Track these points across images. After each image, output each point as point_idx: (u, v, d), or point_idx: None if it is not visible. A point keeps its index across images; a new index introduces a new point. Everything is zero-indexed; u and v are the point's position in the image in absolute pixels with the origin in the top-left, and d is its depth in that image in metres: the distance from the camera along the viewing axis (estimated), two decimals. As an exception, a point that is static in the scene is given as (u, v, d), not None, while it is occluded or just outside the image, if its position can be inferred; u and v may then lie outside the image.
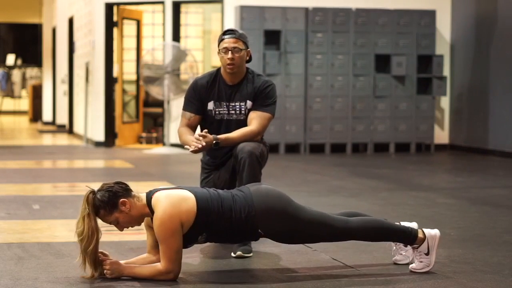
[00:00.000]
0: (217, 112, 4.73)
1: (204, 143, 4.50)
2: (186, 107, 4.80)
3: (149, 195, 3.90)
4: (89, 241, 3.80)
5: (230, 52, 4.65)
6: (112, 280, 3.86)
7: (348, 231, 4.04)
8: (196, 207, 3.86)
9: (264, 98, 4.73)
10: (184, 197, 3.87)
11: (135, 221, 3.93)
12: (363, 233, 4.06)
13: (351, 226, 4.04)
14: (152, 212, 3.86)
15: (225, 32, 4.75)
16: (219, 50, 4.73)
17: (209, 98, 4.73)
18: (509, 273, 4.11)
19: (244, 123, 4.72)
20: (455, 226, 5.56)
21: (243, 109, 4.72)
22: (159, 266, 3.85)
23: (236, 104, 4.72)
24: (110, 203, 3.84)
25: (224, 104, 4.73)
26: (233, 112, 4.72)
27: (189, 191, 3.93)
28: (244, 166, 4.52)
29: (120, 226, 3.92)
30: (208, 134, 4.54)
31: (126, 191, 3.90)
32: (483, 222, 5.90)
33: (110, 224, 3.92)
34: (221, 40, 4.73)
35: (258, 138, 4.71)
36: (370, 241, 4.17)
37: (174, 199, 3.84)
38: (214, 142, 4.58)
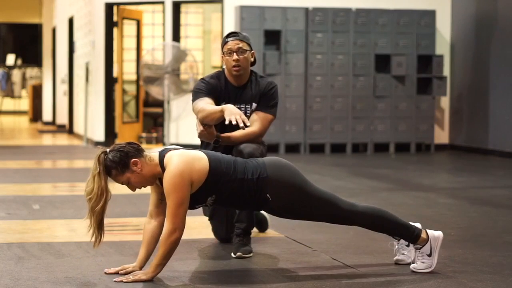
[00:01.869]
0: None
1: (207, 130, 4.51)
2: (200, 95, 4.63)
3: (162, 154, 3.91)
4: (97, 201, 3.80)
5: (235, 53, 4.63)
6: (113, 278, 3.85)
7: (353, 214, 4.06)
8: (208, 167, 3.89)
9: (267, 100, 4.72)
10: (197, 157, 3.90)
11: (147, 181, 3.93)
12: (367, 219, 4.08)
13: (356, 210, 4.07)
14: (163, 171, 3.87)
15: (228, 35, 4.72)
16: (223, 53, 4.68)
17: (220, 98, 4.67)
18: (509, 273, 4.11)
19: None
20: (455, 226, 5.56)
21: (248, 111, 4.71)
22: (164, 229, 3.84)
23: (242, 106, 4.70)
24: (121, 163, 3.85)
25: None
26: (246, 118, 4.70)
27: (203, 151, 3.98)
28: (244, 167, 4.52)
29: (132, 186, 3.93)
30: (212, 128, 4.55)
31: (138, 151, 3.90)
32: (483, 222, 5.90)
33: (122, 184, 3.92)
34: (224, 43, 4.69)
35: (259, 140, 4.71)
36: (372, 229, 4.17)
37: (187, 157, 3.86)
38: (215, 139, 4.58)
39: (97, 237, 3.86)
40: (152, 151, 3.97)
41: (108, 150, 3.89)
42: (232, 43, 4.65)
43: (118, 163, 3.85)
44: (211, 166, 3.90)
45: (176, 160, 3.84)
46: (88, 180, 3.85)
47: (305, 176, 4.10)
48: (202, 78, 4.78)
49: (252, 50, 4.71)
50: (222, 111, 4.33)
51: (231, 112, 4.26)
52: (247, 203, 4.06)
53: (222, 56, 4.72)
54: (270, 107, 4.73)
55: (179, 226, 3.82)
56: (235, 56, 4.62)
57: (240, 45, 4.65)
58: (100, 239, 3.87)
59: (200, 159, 3.90)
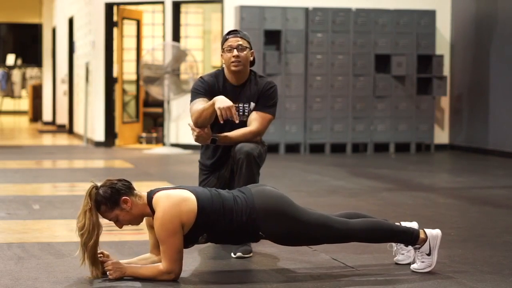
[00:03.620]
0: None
1: (202, 132, 4.51)
2: (197, 95, 4.66)
3: (150, 195, 3.90)
4: (89, 236, 3.79)
5: (235, 49, 4.64)
6: (112, 280, 3.85)
7: (349, 233, 4.03)
8: (196, 208, 3.86)
9: (266, 100, 4.72)
10: (185, 198, 3.86)
11: (135, 220, 3.93)
12: (364, 235, 4.05)
13: (352, 228, 4.03)
14: (153, 211, 3.86)
15: (229, 32, 4.75)
16: (223, 49, 4.70)
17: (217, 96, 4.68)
18: (509, 273, 4.11)
19: (245, 124, 4.71)
20: (455, 226, 5.56)
21: (246, 110, 4.71)
22: (160, 266, 3.85)
23: (240, 105, 4.70)
24: (111, 199, 3.84)
25: None
26: (236, 113, 4.70)
27: (190, 191, 3.92)
28: (241, 167, 4.52)
29: (120, 224, 3.92)
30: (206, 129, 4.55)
31: (129, 189, 3.90)
32: (483, 222, 5.90)
33: (110, 220, 3.91)
34: (225, 40, 4.71)
35: (258, 139, 4.70)
36: (371, 242, 4.16)
37: (175, 199, 3.83)
38: (212, 138, 4.58)
39: (95, 269, 3.85)
40: (142, 192, 3.96)
41: (99, 185, 3.88)
42: (233, 40, 4.67)
43: (109, 199, 3.84)
44: (199, 207, 3.86)
45: (163, 205, 3.81)
46: (79, 215, 3.83)
47: (296, 201, 4.07)
48: (200, 77, 4.79)
49: (251, 49, 4.72)
50: (213, 104, 4.38)
51: (222, 102, 4.34)
52: (240, 240, 4.09)
53: (221, 54, 4.73)
54: (269, 107, 4.72)
55: (176, 270, 3.84)
56: (235, 52, 4.63)
57: (240, 42, 4.67)
58: (99, 269, 3.86)
59: (188, 200, 3.85)
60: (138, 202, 3.89)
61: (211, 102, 4.43)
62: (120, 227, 3.94)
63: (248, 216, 3.91)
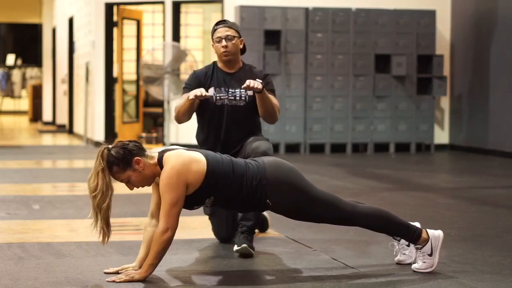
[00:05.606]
0: (217, 98, 4.77)
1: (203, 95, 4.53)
2: (185, 91, 4.78)
3: (161, 154, 3.90)
4: (103, 197, 3.77)
5: (224, 40, 4.75)
6: (115, 281, 3.85)
7: (354, 215, 4.05)
8: (205, 170, 3.86)
9: (268, 84, 4.76)
10: (195, 159, 3.87)
11: (147, 181, 3.91)
12: (368, 220, 4.07)
13: (358, 211, 4.06)
14: (162, 169, 3.86)
15: (218, 23, 4.86)
16: (213, 40, 4.82)
17: (210, 84, 4.76)
18: (509, 273, 4.11)
19: (244, 110, 4.75)
20: (455, 226, 5.56)
21: (243, 95, 4.76)
22: (157, 229, 3.82)
23: (236, 90, 4.77)
24: (124, 160, 3.83)
25: (224, 89, 4.76)
26: (232, 98, 4.76)
27: (201, 153, 3.94)
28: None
29: (131, 185, 3.90)
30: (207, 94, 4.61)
31: (141, 149, 3.89)
32: (483, 222, 5.90)
33: (121, 181, 3.88)
34: (214, 31, 4.83)
35: (277, 116, 4.74)
36: (373, 230, 4.16)
37: (185, 158, 3.84)
38: (262, 85, 4.54)
39: (106, 234, 3.83)
40: (153, 151, 3.97)
41: (110, 146, 3.88)
42: (221, 30, 4.79)
43: (121, 160, 3.83)
44: (208, 169, 3.88)
45: (173, 160, 3.83)
46: (91, 176, 3.81)
47: (306, 178, 4.09)
48: (193, 71, 4.95)
49: (241, 37, 4.82)
50: (186, 98, 4.57)
51: (193, 92, 4.50)
52: (247, 207, 4.06)
53: (212, 45, 4.85)
54: (274, 92, 4.79)
55: (172, 226, 3.80)
56: (224, 43, 4.75)
57: (229, 32, 4.78)
58: (109, 235, 3.84)
59: (198, 161, 3.87)
60: (150, 162, 3.89)
61: (185, 99, 4.60)
62: (131, 188, 3.92)
63: (258, 182, 3.93)
